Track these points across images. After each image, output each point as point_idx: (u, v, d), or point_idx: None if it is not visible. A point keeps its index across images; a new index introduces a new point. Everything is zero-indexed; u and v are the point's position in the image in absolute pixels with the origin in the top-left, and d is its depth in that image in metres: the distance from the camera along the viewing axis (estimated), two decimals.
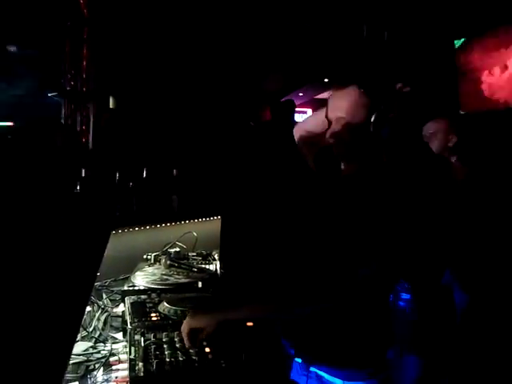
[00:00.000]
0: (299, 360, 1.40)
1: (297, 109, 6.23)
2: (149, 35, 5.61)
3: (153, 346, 1.35)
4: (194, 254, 2.45)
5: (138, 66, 5.98)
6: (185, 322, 1.32)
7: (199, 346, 1.32)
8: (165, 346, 1.36)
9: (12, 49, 5.77)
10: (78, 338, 1.55)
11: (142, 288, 1.89)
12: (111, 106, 6.02)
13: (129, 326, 1.51)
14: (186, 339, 1.30)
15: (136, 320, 1.54)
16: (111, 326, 1.77)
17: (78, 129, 4.23)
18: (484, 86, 3.67)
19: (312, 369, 1.36)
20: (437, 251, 2.10)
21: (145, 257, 2.32)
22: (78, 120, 4.27)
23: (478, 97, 3.75)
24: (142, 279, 1.97)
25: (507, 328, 2.19)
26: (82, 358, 1.47)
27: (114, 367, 1.43)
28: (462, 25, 3.87)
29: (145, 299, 1.75)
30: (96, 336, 1.64)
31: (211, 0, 4.99)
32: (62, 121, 4.27)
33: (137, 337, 1.43)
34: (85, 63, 4.40)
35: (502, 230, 2.31)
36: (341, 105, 1.26)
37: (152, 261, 2.26)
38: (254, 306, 1.31)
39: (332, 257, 1.24)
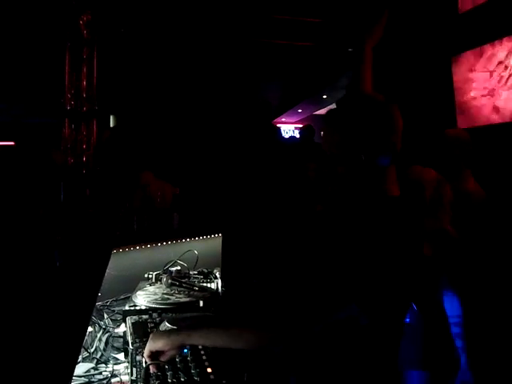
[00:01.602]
0: None
1: (296, 125, 6.27)
2: (149, 55, 5.68)
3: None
4: (195, 272, 2.44)
5: (139, 84, 6.04)
6: (147, 343, 1.29)
7: (162, 366, 1.30)
8: (166, 366, 1.35)
9: None
10: (80, 359, 1.54)
11: (143, 308, 1.88)
12: (112, 125, 6.07)
13: (130, 346, 1.50)
14: (148, 360, 1.28)
15: (137, 340, 1.53)
16: (113, 346, 1.76)
17: (79, 148, 4.25)
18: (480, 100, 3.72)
19: None
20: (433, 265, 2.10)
21: (146, 276, 2.31)
22: (78, 139, 4.29)
23: (475, 112, 3.79)
24: (143, 299, 1.96)
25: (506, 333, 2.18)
26: (83, 380, 1.47)
27: None
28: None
29: (146, 319, 1.74)
30: (97, 357, 1.63)
31: (210, 19, 5.06)
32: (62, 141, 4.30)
33: (138, 357, 1.42)
34: (85, 83, 4.43)
35: (497, 236, 2.33)
36: None
37: (153, 280, 2.25)
38: (212, 331, 1.25)
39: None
